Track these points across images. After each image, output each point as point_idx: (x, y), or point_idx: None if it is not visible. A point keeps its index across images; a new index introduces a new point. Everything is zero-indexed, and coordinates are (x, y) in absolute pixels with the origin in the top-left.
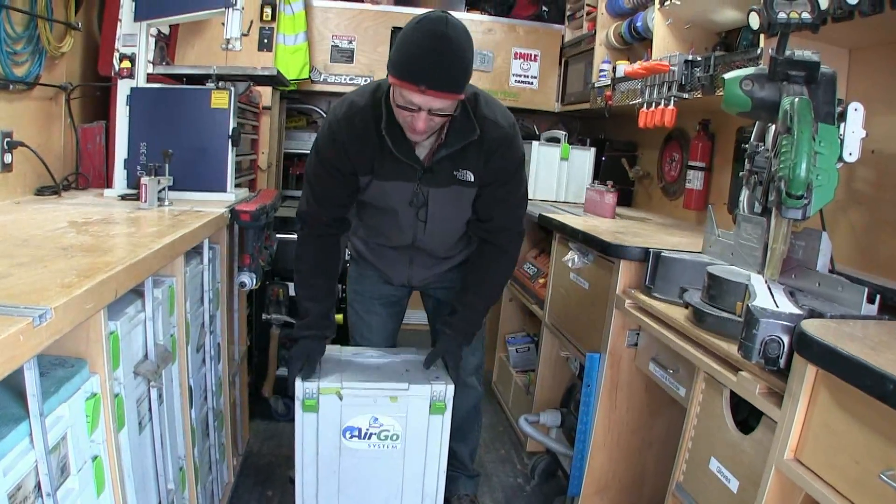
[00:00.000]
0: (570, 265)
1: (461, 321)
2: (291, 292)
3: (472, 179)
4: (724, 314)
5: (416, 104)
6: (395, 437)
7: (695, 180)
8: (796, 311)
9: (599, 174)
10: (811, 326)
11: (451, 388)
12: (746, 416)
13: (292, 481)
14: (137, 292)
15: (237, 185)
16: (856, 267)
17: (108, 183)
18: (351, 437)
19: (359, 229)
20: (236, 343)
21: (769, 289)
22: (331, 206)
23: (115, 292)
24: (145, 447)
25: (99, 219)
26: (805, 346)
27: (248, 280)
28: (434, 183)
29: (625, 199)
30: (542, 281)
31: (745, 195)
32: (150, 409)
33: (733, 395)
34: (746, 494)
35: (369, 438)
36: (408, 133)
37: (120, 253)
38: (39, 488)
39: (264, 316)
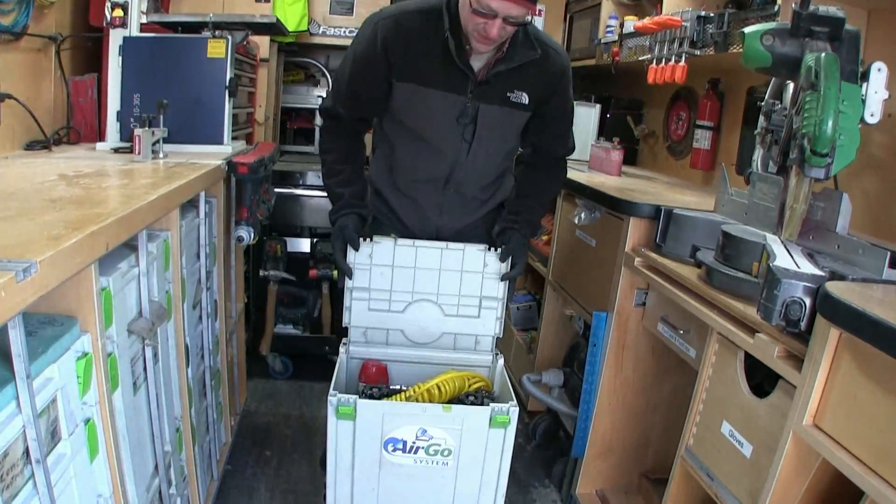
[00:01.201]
0: (576, 222)
1: (526, 219)
2: (290, 248)
3: (527, 102)
4: (740, 274)
5: (494, 10)
6: (446, 453)
7: (703, 140)
8: (818, 272)
9: (604, 132)
10: (836, 288)
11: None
12: (761, 381)
13: (325, 497)
14: (131, 246)
15: (234, 139)
16: (867, 233)
17: (101, 137)
18: (394, 451)
19: (385, 170)
20: (233, 300)
21: (787, 250)
22: (353, 109)
23: (106, 245)
24: (140, 408)
25: (90, 171)
26: (830, 308)
27: (246, 234)
28: (486, 98)
29: (629, 158)
30: (545, 238)
31: (759, 154)
32: (144, 369)
33: (747, 357)
34: (760, 459)
35: (416, 453)
36: (476, 42)
37: (112, 205)
38: (28, 455)
39: (262, 272)
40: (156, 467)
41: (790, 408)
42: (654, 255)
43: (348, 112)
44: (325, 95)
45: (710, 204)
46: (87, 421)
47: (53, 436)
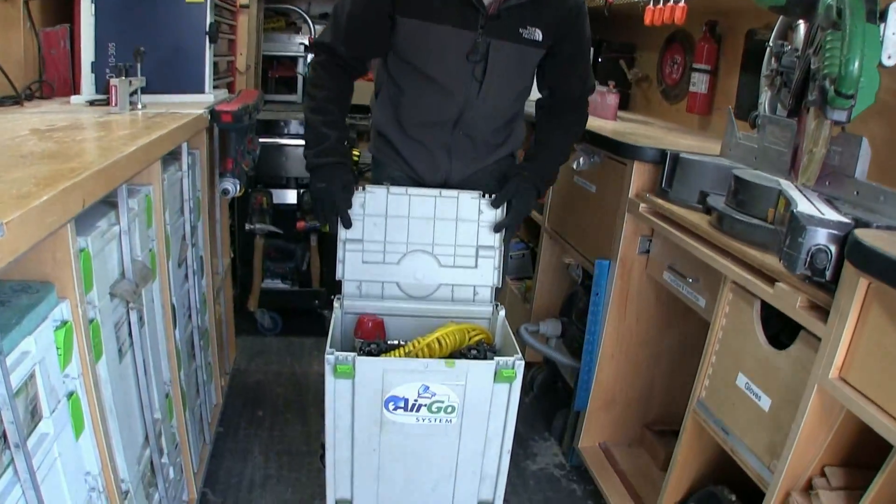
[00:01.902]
0: (575, 167)
1: (540, 165)
2: (276, 199)
3: (540, 39)
4: (755, 221)
5: None
6: (449, 410)
7: (699, 84)
8: (844, 219)
9: (596, 76)
10: (866, 236)
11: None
12: (776, 332)
13: (322, 457)
14: (110, 203)
15: (215, 87)
16: (873, 179)
17: (76, 90)
18: (395, 410)
19: (391, 114)
20: (219, 255)
21: (805, 196)
22: (353, 45)
23: (82, 202)
24: (127, 376)
25: (64, 125)
26: (860, 256)
27: (231, 187)
28: (498, 34)
29: (622, 103)
30: None
31: (766, 97)
32: (130, 334)
33: (762, 308)
34: (780, 413)
35: (418, 411)
36: None
37: (88, 158)
38: (6, 439)
39: (248, 226)
40: (146, 437)
41: (814, 360)
42: (660, 200)
43: (347, 50)
44: (306, 42)
45: (710, 148)
46: (71, 395)
47: (34, 415)
